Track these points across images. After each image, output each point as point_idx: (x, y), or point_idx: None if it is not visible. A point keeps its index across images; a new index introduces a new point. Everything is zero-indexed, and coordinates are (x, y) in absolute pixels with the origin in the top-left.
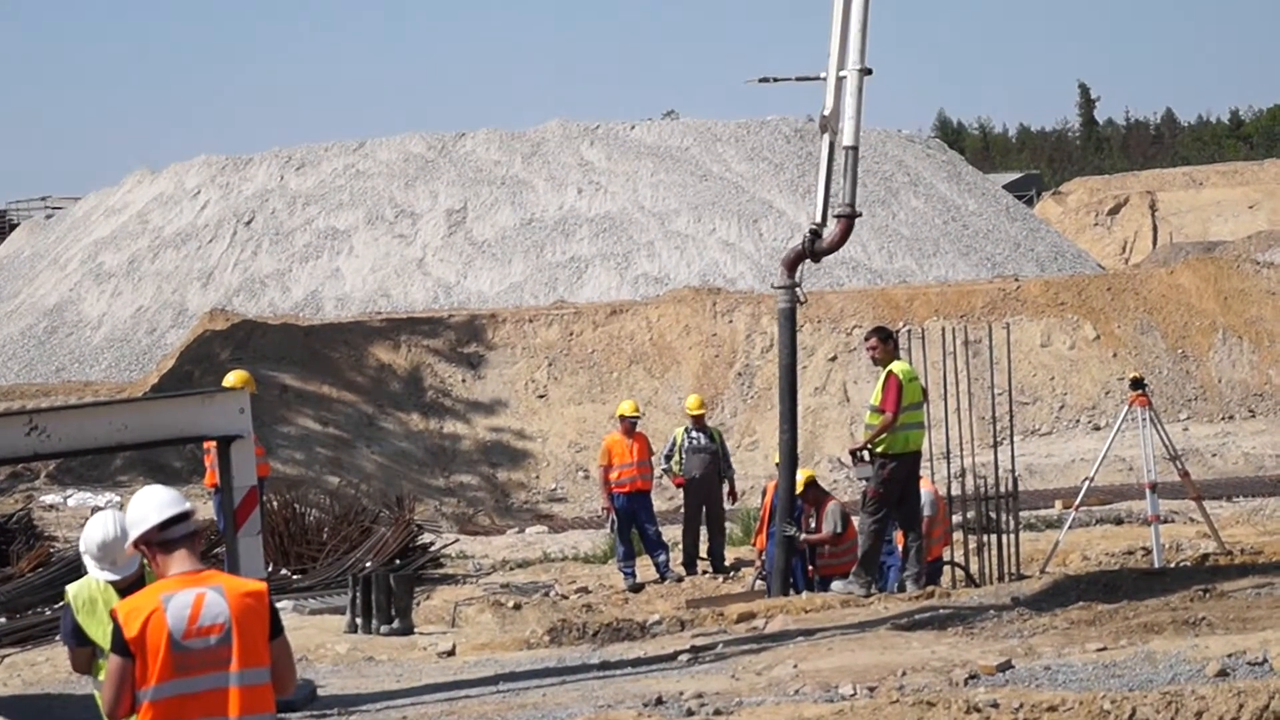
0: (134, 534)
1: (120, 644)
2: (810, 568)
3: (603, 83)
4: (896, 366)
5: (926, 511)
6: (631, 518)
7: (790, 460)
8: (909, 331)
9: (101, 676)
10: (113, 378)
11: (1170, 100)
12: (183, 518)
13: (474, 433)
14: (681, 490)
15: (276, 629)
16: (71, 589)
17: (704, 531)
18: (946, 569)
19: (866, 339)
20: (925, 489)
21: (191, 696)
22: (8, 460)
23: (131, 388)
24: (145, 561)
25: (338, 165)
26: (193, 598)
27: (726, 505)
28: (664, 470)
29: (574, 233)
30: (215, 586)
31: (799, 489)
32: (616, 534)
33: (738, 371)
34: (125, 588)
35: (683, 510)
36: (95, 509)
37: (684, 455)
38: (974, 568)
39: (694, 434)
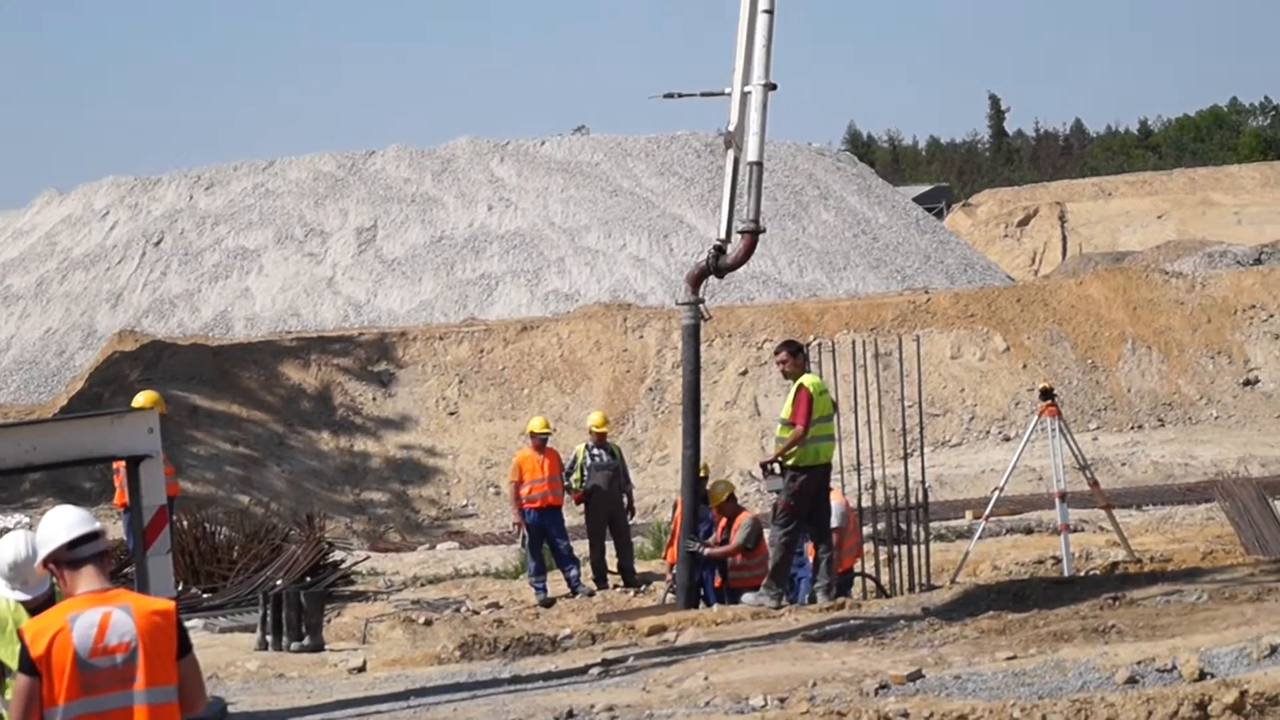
0: (42, 553)
1: (27, 663)
2: (720, 580)
3: (512, 99)
4: (807, 380)
5: (837, 523)
6: (543, 533)
7: (693, 475)
8: (819, 345)
9: (9, 695)
10: (21, 400)
11: (1079, 110)
12: (91, 537)
13: (385, 450)
14: (584, 506)
15: (185, 647)
16: None
17: (610, 547)
18: (857, 580)
19: (776, 353)
20: (836, 501)
21: (98, 715)
22: None
23: (40, 409)
24: (55, 581)
25: (247, 185)
26: (99, 616)
27: (628, 519)
28: (565, 487)
29: (484, 250)
30: (123, 605)
31: (718, 502)
32: (528, 549)
33: (649, 386)
34: (36, 607)
35: (586, 524)
36: (4, 530)
37: (586, 472)
38: (885, 578)
39: (595, 451)
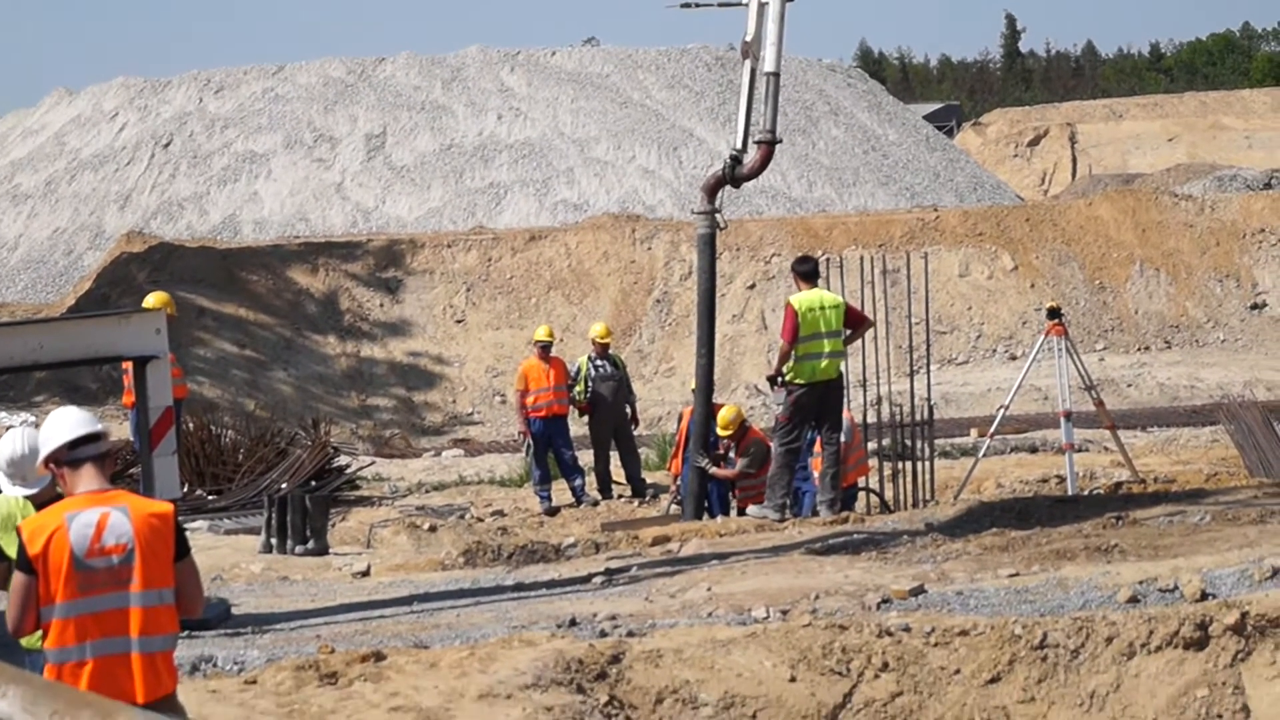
0: (43, 452)
1: (24, 561)
2: (729, 494)
3: (523, 8)
4: (794, 298)
5: (842, 439)
6: (548, 442)
7: (706, 385)
8: (828, 260)
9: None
10: (29, 299)
11: (1091, 32)
12: (92, 438)
13: (391, 356)
14: (588, 417)
15: (182, 550)
16: None
17: (615, 458)
18: (862, 495)
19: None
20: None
21: (93, 615)
22: None
23: (48, 309)
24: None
25: (256, 89)
26: (97, 517)
27: (632, 430)
28: (569, 398)
29: (493, 159)
30: (120, 506)
31: (730, 429)
32: (532, 458)
33: (656, 299)
34: (41, 504)
35: (590, 435)
36: (8, 428)
37: (590, 383)
38: (889, 494)
39: (598, 362)
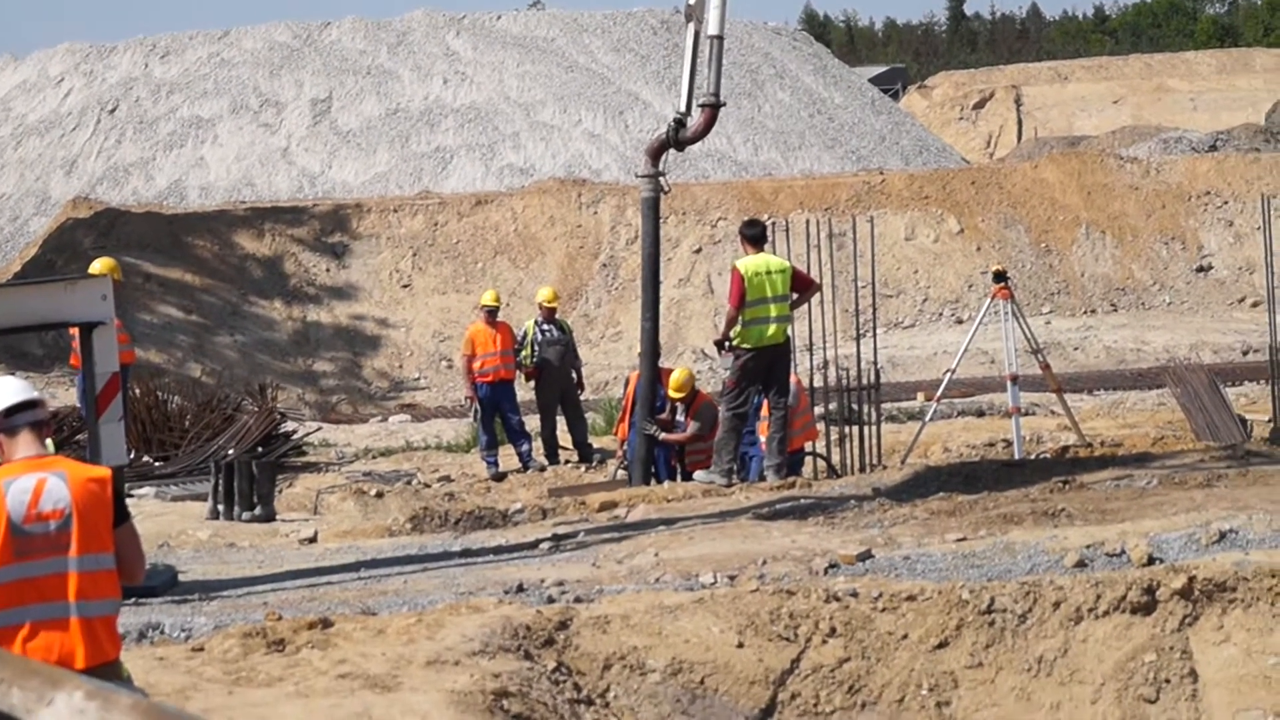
0: None
1: None
2: (677, 461)
3: None
4: (740, 262)
5: (790, 402)
6: (495, 407)
7: (652, 350)
8: (773, 224)
9: None
10: None
11: None
12: (29, 405)
13: (337, 321)
14: (535, 382)
15: (121, 516)
16: None
17: (562, 423)
18: (809, 460)
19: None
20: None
21: (30, 581)
22: None
23: None
24: None
25: (202, 54)
26: (34, 483)
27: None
28: (516, 363)
29: (439, 123)
30: (58, 472)
31: (684, 391)
32: (480, 423)
33: (602, 263)
34: None
35: (537, 400)
36: None
37: (536, 347)
38: (836, 459)
39: (545, 326)
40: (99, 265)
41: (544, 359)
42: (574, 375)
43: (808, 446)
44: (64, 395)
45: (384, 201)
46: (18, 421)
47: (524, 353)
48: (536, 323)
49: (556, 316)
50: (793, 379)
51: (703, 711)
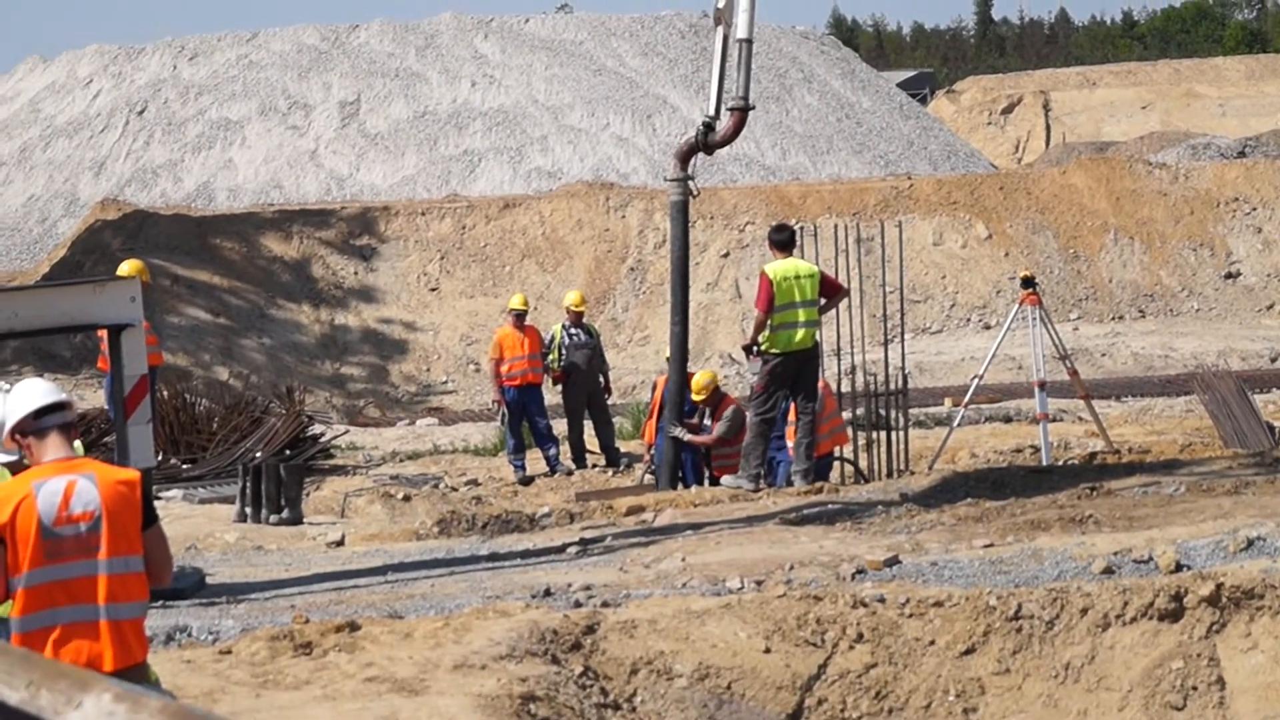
0: (9, 424)
1: None
2: (705, 465)
3: None
4: (768, 266)
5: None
6: (522, 411)
7: (681, 354)
8: (801, 229)
9: None
10: (2, 266)
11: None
12: (57, 407)
13: (365, 324)
14: (562, 385)
15: (150, 518)
16: None
17: (589, 427)
18: (837, 465)
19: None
20: None
21: (61, 584)
22: None
23: (22, 276)
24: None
25: (230, 56)
26: (64, 485)
27: (606, 399)
28: (544, 366)
29: (467, 126)
30: (87, 474)
31: (704, 393)
32: (507, 427)
33: (630, 267)
34: (17, 470)
35: (564, 404)
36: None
37: (564, 351)
38: (863, 464)
39: (573, 331)
40: (127, 267)
41: (571, 363)
42: (601, 379)
43: (836, 451)
44: (92, 397)
45: (412, 205)
46: (46, 424)
47: (551, 356)
48: (564, 327)
49: (584, 320)
50: (820, 383)
51: (729, 716)
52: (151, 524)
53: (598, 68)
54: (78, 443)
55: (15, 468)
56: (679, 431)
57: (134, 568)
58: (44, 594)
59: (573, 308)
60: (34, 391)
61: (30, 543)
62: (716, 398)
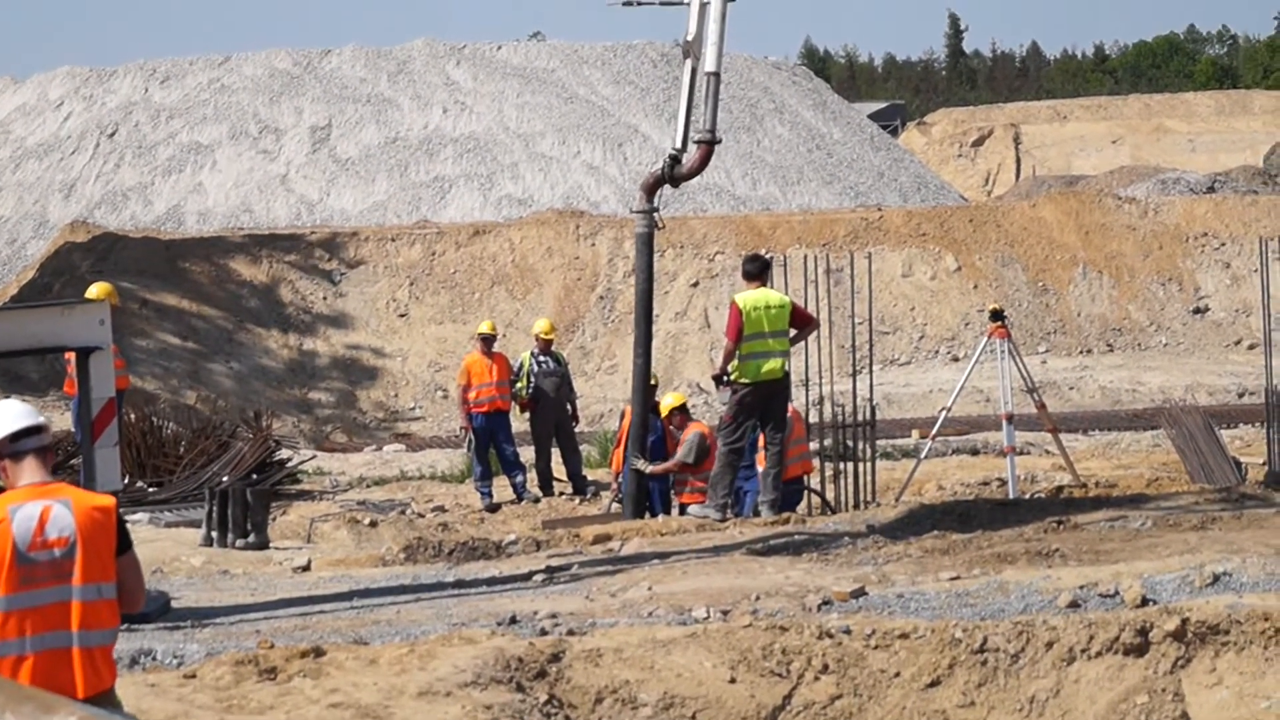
0: None
1: None
2: (671, 492)
3: (470, 2)
4: (739, 296)
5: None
6: (490, 437)
7: (643, 386)
8: (771, 259)
9: None
10: None
11: (1036, 34)
12: (34, 430)
13: (333, 350)
14: (530, 413)
15: (124, 544)
16: None
17: (556, 454)
18: (806, 495)
19: None
20: None
21: (34, 609)
22: None
23: None
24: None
25: (202, 79)
26: (39, 510)
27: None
28: (511, 394)
29: (438, 152)
30: (63, 500)
31: (665, 412)
32: (474, 453)
33: (599, 295)
34: None
35: (532, 431)
36: None
37: (532, 378)
38: (830, 495)
39: (541, 358)
40: (96, 290)
41: (539, 390)
42: (569, 407)
43: (805, 480)
44: (59, 419)
45: (382, 230)
46: (23, 447)
47: (520, 384)
48: (533, 354)
49: (553, 348)
50: (789, 409)
51: None
52: (125, 550)
53: (569, 95)
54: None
55: None
56: (640, 464)
57: (107, 594)
58: (17, 620)
59: (542, 335)
60: (11, 414)
61: (4, 567)
62: (681, 420)
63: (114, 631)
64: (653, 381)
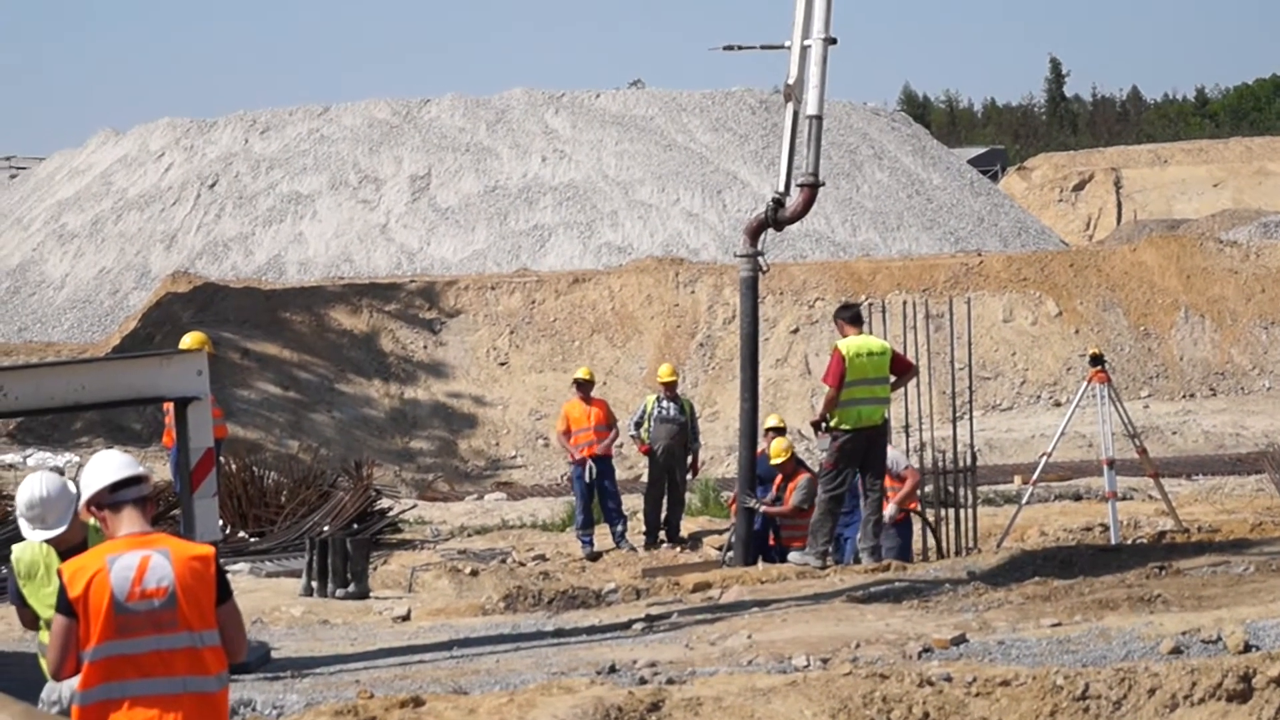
0: (85, 495)
1: (64, 604)
2: (774, 538)
3: (568, 51)
4: (842, 343)
5: (902, 471)
6: (591, 484)
7: (751, 430)
8: (870, 305)
9: (44, 636)
10: (75, 338)
11: (1136, 78)
12: (134, 481)
13: (434, 399)
14: (647, 458)
15: (224, 594)
16: (15, 551)
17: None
18: (920, 531)
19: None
20: (892, 451)
21: (131, 658)
22: None
23: (93, 349)
24: (87, 525)
25: (302, 130)
26: (138, 560)
27: (687, 478)
28: (631, 436)
29: (538, 201)
30: (161, 550)
31: (780, 460)
32: (577, 500)
33: (699, 342)
34: (66, 550)
35: (646, 479)
36: (54, 469)
37: (652, 424)
38: (931, 542)
39: (664, 403)
40: (190, 340)
41: (656, 439)
42: (687, 457)
43: (918, 523)
44: (162, 470)
45: (481, 279)
46: (122, 497)
47: (643, 427)
48: (658, 399)
49: (679, 394)
50: (897, 451)
51: None
52: (225, 599)
53: (668, 143)
54: None
55: (61, 544)
56: (753, 502)
57: (208, 642)
58: (111, 668)
59: (662, 380)
60: (110, 465)
61: (102, 617)
62: (792, 467)
63: (222, 677)
64: (779, 422)
